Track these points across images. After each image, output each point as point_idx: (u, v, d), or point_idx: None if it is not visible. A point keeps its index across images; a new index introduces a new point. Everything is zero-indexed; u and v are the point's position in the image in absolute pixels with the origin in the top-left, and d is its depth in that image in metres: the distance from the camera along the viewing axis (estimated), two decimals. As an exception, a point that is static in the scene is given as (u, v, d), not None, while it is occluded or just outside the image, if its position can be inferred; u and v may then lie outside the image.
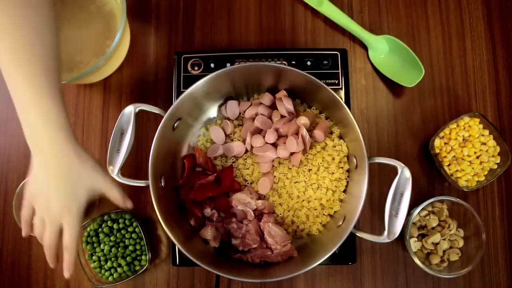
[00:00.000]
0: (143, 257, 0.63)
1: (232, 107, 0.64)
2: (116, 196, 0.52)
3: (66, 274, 0.50)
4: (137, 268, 0.63)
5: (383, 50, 0.69)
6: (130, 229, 0.64)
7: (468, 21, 0.72)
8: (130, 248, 0.63)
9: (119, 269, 0.63)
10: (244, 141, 0.64)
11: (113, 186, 0.52)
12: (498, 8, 0.72)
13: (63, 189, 0.48)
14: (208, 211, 0.61)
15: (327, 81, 0.66)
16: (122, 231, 0.64)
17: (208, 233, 0.59)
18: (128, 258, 0.63)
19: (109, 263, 0.63)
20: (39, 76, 0.45)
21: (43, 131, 0.46)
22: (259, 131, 0.63)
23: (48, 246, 0.49)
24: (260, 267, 0.59)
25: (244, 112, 0.65)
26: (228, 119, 0.65)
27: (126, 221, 0.64)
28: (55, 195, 0.48)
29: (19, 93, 0.45)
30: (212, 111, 0.67)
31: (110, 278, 0.63)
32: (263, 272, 0.57)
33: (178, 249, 0.60)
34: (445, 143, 0.65)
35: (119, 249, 0.63)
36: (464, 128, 0.64)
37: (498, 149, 0.64)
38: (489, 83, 0.70)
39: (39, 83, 0.45)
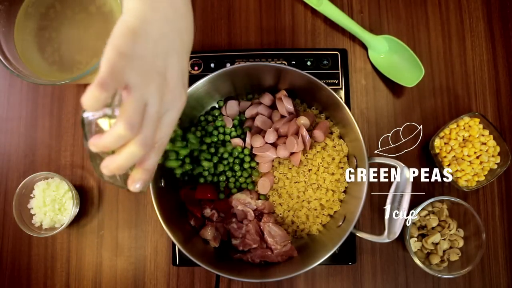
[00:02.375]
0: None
1: (232, 107, 0.64)
2: None
3: (139, 185, 0.34)
4: None
5: (383, 50, 0.69)
6: None
7: (468, 21, 0.72)
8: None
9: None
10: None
11: None
12: (498, 8, 0.72)
13: (187, 63, 0.35)
14: (208, 211, 0.61)
15: (327, 81, 0.66)
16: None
17: (208, 233, 0.59)
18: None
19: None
20: None
21: None
22: (259, 131, 0.63)
23: (145, 143, 0.32)
24: (260, 267, 0.59)
25: (244, 112, 0.65)
26: (228, 119, 0.65)
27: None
28: (181, 57, 0.34)
29: None
30: (212, 111, 0.67)
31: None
32: (263, 272, 0.57)
33: (178, 249, 0.60)
34: (445, 143, 0.65)
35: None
36: (464, 128, 0.64)
37: (498, 149, 0.64)
38: (489, 83, 0.70)
39: None
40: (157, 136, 0.33)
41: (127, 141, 0.31)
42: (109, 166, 0.32)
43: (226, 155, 0.61)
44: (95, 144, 0.31)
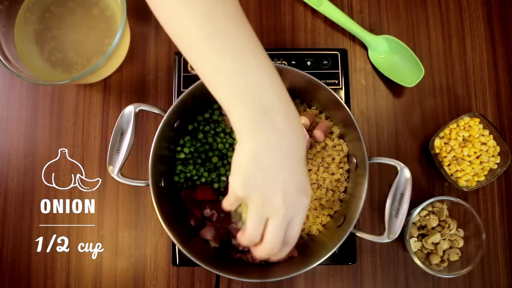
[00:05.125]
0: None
1: (232, 107, 0.64)
2: None
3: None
4: None
5: (383, 50, 0.69)
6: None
7: (468, 21, 0.72)
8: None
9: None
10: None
11: None
12: (498, 8, 0.72)
13: (302, 171, 0.40)
14: (208, 211, 0.61)
15: (327, 81, 0.66)
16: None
17: (208, 233, 0.59)
18: None
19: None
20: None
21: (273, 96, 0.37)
22: (259, 131, 0.63)
23: (270, 248, 0.40)
24: (260, 267, 0.59)
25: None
26: (228, 119, 0.65)
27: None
28: (292, 171, 0.39)
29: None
30: (212, 111, 0.67)
31: None
32: (263, 272, 0.57)
33: (178, 249, 0.60)
34: (445, 143, 0.65)
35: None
36: (464, 128, 0.64)
37: (498, 149, 0.64)
38: (489, 83, 0.70)
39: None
40: (286, 236, 0.40)
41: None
42: (255, 253, 0.42)
43: (226, 155, 0.61)
44: (239, 237, 0.42)
